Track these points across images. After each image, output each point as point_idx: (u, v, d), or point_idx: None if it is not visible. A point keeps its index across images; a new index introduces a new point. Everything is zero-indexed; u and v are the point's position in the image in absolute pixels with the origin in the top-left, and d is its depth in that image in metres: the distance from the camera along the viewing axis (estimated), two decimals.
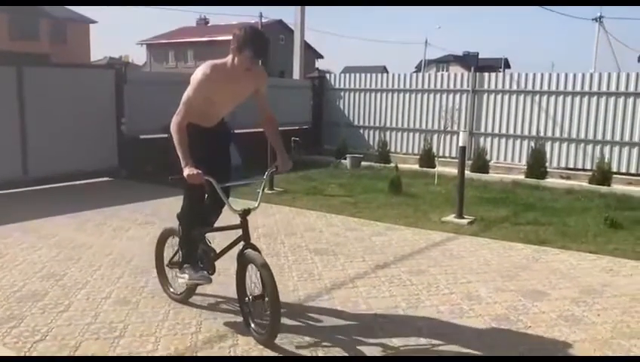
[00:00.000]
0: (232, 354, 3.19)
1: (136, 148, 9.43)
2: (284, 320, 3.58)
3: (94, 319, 3.60)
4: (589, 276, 4.69)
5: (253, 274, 3.37)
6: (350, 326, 3.63)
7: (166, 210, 6.86)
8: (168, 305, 3.86)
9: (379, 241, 5.68)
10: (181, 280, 3.72)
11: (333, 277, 4.54)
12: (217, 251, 3.67)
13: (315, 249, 5.33)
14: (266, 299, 3.16)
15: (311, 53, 42.12)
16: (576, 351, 3.31)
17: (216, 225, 3.80)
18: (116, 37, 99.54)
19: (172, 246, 3.97)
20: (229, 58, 3.36)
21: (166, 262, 4.00)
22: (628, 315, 3.85)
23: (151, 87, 10.17)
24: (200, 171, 3.21)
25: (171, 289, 3.99)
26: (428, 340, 3.41)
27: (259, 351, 3.22)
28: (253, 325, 3.35)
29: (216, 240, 3.91)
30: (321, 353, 3.21)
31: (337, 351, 3.24)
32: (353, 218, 6.76)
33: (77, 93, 8.77)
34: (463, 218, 6.57)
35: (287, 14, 43.14)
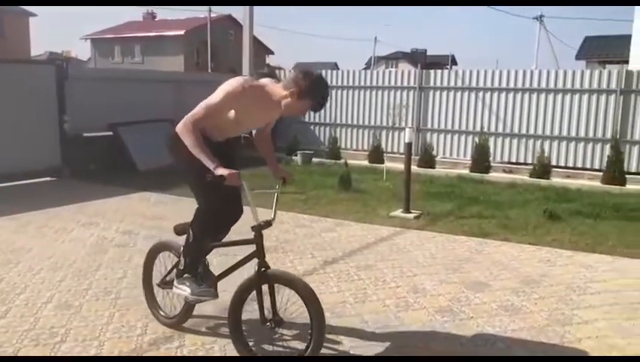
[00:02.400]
0: (179, 355, 3.16)
1: (79, 146, 9.18)
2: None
3: (34, 325, 3.49)
4: (528, 266, 4.89)
5: (281, 297, 3.03)
6: (296, 324, 3.65)
7: (111, 211, 6.72)
8: (113, 307, 3.79)
9: (328, 237, 5.74)
10: (180, 292, 3.23)
11: None
12: (222, 271, 3.31)
13: (266, 246, 5.31)
14: (312, 321, 2.85)
15: (261, 49, 41.82)
16: (514, 340, 3.45)
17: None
18: (59, 32, 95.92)
19: (163, 263, 3.59)
20: (274, 88, 3.03)
21: (156, 280, 3.57)
22: (563, 303, 4.04)
23: (95, 83, 9.92)
24: (238, 171, 2.94)
25: (162, 313, 3.55)
26: (373, 333, 3.49)
27: (205, 350, 3.21)
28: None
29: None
30: (265, 353, 3.22)
31: (282, 349, 3.26)
32: (303, 214, 6.79)
33: (16, 89, 8.43)
34: (410, 212, 6.71)
35: (237, 9, 42.71)
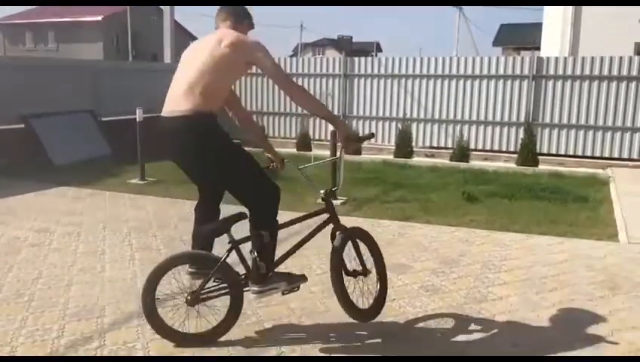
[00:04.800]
0: (99, 355, 3.07)
1: None
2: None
3: None
4: (447, 247, 5.10)
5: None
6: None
7: (23, 208, 6.37)
8: (26, 311, 3.60)
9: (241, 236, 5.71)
10: (271, 292, 3.17)
11: None
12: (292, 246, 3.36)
13: (189, 240, 5.16)
14: (380, 272, 3.53)
15: (185, 36, 40.70)
16: (433, 319, 3.59)
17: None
18: None
19: (169, 281, 3.23)
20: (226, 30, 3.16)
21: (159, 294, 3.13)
22: (479, 281, 4.25)
23: (4, 72, 9.30)
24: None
25: (179, 330, 3.15)
26: (299, 320, 3.53)
27: (127, 349, 3.13)
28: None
29: None
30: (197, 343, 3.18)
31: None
32: (229, 205, 6.71)
33: None
34: (337, 199, 6.81)
35: None
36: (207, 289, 3.18)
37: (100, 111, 10.75)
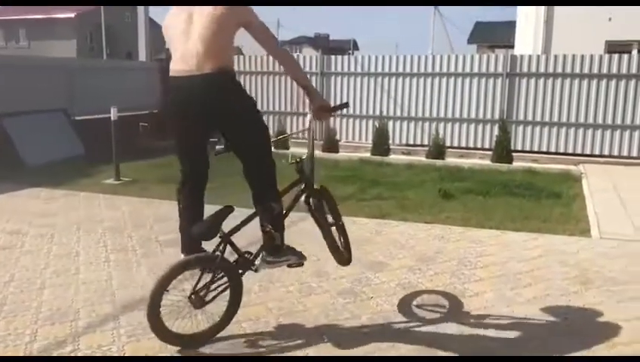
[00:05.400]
0: (99, 355, 3.02)
1: None
2: (131, 319, 3.48)
3: None
4: (424, 245, 5.14)
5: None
6: (198, 317, 3.60)
7: None
8: None
9: (232, 226, 5.67)
10: (282, 265, 3.38)
11: None
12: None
13: (165, 240, 5.17)
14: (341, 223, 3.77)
15: (160, 33, 40.20)
16: (411, 317, 3.62)
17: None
18: None
19: (175, 286, 3.12)
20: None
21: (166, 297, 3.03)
22: (455, 278, 4.30)
23: None
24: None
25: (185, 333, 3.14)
26: (277, 321, 3.52)
27: (102, 353, 3.09)
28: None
29: None
30: (170, 348, 3.16)
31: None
32: (209, 205, 6.66)
33: None
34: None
35: None
36: (211, 288, 3.16)
37: (73, 110, 10.56)
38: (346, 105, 3.92)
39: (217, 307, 3.25)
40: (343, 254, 3.75)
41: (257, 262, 3.33)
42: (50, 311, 3.60)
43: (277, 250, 3.29)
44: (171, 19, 3.17)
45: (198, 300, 3.12)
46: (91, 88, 10.81)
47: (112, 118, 7.81)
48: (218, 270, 3.16)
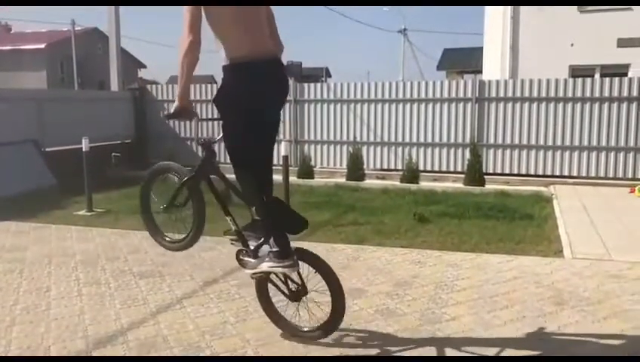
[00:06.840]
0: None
1: None
2: (105, 355, 3.39)
3: None
4: (401, 269, 5.15)
5: None
6: (174, 351, 3.54)
7: None
8: None
9: (208, 256, 5.61)
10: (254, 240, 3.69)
11: (159, 301, 4.38)
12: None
13: (139, 272, 5.09)
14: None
15: (132, 63, 40.09)
16: (390, 342, 3.61)
17: None
18: None
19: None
20: None
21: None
22: (433, 302, 4.31)
23: None
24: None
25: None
26: (255, 351, 3.47)
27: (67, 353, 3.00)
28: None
29: None
30: None
31: None
32: (181, 235, 6.58)
33: None
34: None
35: (103, 22, 40.03)
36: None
37: (44, 141, 10.40)
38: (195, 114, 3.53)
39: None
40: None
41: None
42: (19, 349, 3.48)
43: (257, 228, 3.62)
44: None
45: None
46: (62, 119, 10.68)
47: (83, 149, 7.72)
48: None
